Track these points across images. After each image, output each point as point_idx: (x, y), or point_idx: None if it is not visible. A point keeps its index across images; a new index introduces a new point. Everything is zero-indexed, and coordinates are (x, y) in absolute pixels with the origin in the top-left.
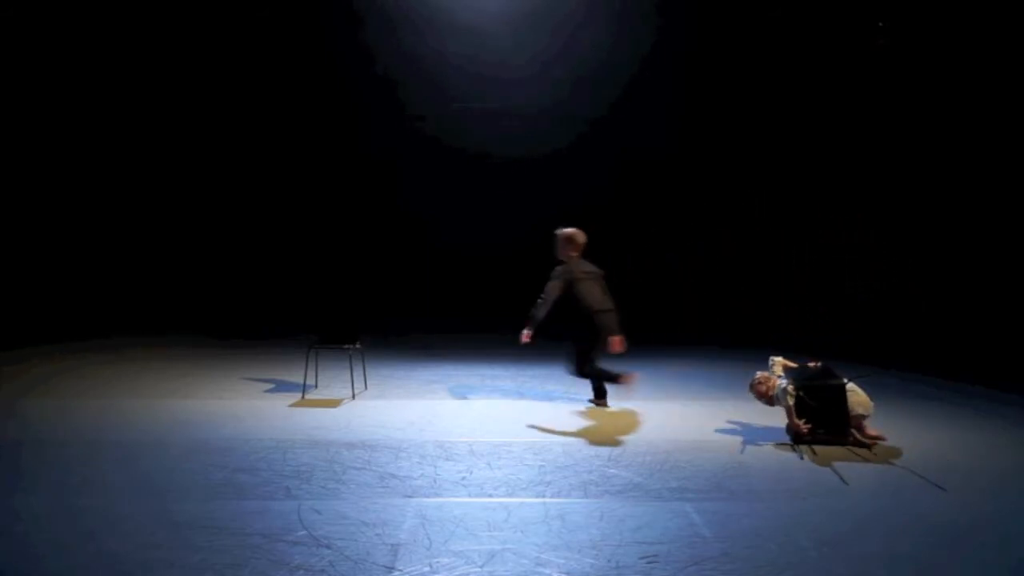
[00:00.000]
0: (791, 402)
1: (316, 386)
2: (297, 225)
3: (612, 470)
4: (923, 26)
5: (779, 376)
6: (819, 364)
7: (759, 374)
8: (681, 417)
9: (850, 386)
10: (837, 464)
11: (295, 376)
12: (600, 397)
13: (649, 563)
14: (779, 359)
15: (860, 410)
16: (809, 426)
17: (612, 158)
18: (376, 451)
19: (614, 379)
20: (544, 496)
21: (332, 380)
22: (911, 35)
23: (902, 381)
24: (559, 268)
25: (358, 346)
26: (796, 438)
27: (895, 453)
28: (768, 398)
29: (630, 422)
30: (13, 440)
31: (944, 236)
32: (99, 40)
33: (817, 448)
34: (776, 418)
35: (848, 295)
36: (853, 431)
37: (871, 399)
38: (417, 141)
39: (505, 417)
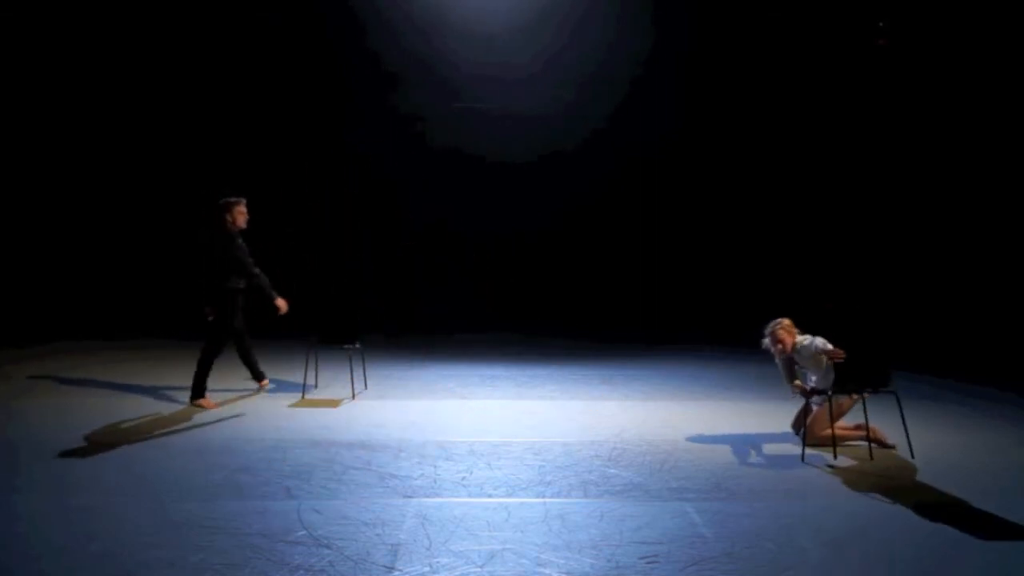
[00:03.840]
0: (776, 347)
1: (316, 386)
2: (297, 225)
3: (612, 470)
4: (923, 26)
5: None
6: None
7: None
8: (681, 417)
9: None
10: (840, 465)
11: (295, 376)
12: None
13: (649, 563)
14: (787, 321)
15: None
16: (808, 388)
17: (618, 156)
18: (376, 451)
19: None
20: (544, 496)
21: (332, 380)
22: (912, 35)
23: (902, 381)
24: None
25: (358, 346)
26: (804, 426)
27: (895, 453)
28: (783, 344)
29: (630, 422)
30: (12, 440)
31: (944, 235)
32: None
33: (820, 448)
34: (775, 418)
35: (848, 295)
36: (868, 432)
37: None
38: (418, 141)
39: (505, 417)
